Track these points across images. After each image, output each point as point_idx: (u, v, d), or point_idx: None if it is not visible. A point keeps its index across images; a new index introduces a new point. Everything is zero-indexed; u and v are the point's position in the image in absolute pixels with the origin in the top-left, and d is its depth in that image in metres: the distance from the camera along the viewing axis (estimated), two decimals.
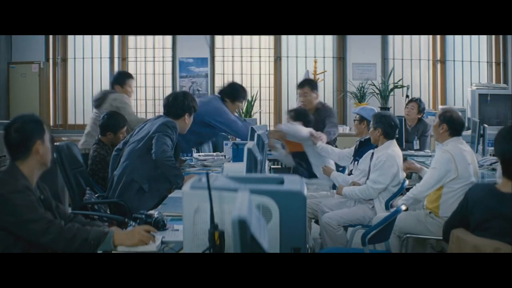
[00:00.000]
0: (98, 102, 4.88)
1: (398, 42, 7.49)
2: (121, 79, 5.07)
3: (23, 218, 2.16)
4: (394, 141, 4.05)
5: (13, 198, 2.16)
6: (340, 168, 4.77)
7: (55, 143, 3.73)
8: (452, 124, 3.78)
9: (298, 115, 4.80)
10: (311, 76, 6.90)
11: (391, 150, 3.96)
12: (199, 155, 5.14)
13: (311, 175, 4.66)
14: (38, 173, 2.32)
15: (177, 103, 3.69)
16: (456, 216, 2.61)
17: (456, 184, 3.60)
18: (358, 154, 4.32)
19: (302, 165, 4.74)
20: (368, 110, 4.55)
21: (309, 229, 4.25)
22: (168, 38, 7.57)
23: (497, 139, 2.54)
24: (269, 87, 7.65)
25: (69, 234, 2.20)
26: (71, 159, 3.75)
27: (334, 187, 4.55)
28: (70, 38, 7.64)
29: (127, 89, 4.99)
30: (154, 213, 2.52)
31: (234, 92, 4.76)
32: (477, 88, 6.64)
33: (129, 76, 5.16)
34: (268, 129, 4.83)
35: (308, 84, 5.21)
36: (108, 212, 3.68)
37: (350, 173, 4.34)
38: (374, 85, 7.14)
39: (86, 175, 3.96)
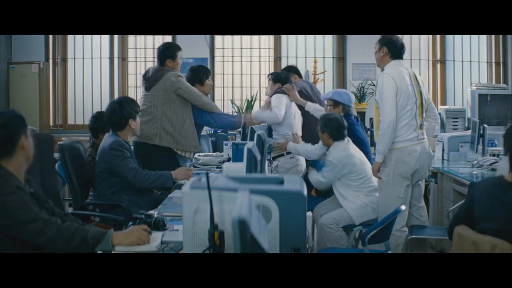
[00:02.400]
0: (150, 85, 4.28)
1: None
2: (171, 51, 4.39)
3: (19, 220, 2.13)
4: (345, 140, 4.07)
5: (6, 200, 2.13)
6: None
7: (58, 142, 3.74)
8: (392, 46, 3.86)
9: (277, 78, 4.83)
10: (311, 77, 6.90)
11: (339, 150, 4.01)
12: (199, 155, 5.14)
13: None
14: (24, 169, 2.28)
15: (115, 116, 3.63)
16: (461, 211, 2.60)
17: (400, 108, 3.74)
18: None
19: (266, 128, 4.76)
20: (343, 94, 4.52)
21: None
22: (168, 38, 7.56)
23: (510, 131, 2.48)
24: None
25: (67, 232, 2.18)
26: (75, 158, 3.74)
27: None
28: (70, 38, 7.64)
29: (178, 62, 4.40)
30: (154, 213, 2.52)
31: (195, 74, 4.50)
32: (477, 88, 6.64)
33: (179, 47, 4.49)
34: (266, 129, 4.81)
35: (272, 77, 4.95)
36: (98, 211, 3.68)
37: None
38: (374, 85, 7.12)
39: (91, 175, 3.95)
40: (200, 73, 4.49)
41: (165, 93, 4.19)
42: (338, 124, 4.05)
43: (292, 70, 5.20)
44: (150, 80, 4.30)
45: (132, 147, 4.25)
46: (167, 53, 4.36)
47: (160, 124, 4.16)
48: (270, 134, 4.63)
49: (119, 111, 3.61)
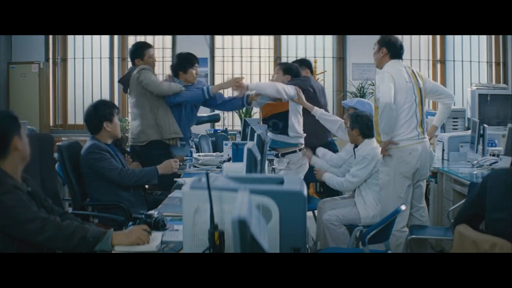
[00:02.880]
0: (125, 87, 4.46)
1: None
2: (139, 51, 4.46)
3: (17, 220, 2.13)
4: (374, 139, 4.00)
5: (4, 200, 2.13)
6: None
7: (57, 143, 3.74)
8: (391, 46, 3.87)
9: (288, 69, 4.66)
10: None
11: (371, 147, 3.96)
12: (199, 155, 5.15)
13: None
14: (21, 168, 2.28)
15: (89, 119, 3.65)
16: (470, 202, 2.61)
17: (399, 105, 3.73)
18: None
19: (279, 125, 4.51)
20: (366, 104, 4.45)
21: None
22: (168, 38, 7.57)
23: None
24: None
25: (67, 231, 2.19)
26: (73, 159, 3.73)
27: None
28: (70, 38, 7.64)
29: (148, 61, 4.45)
30: (154, 213, 2.52)
31: (180, 61, 4.49)
32: (477, 88, 6.64)
33: (147, 45, 4.55)
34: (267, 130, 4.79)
35: (282, 67, 4.73)
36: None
37: None
38: (373, 85, 7.12)
39: None
40: (185, 61, 4.47)
41: (136, 90, 4.30)
42: (369, 121, 3.99)
43: (305, 64, 5.06)
44: (123, 81, 4.48)
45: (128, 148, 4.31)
46: (135, 53, 4.47)
47: (141, 122, 4.26)
48: (285, 131, 4.48)
49: (94, 115, 3.64)
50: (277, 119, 4.53)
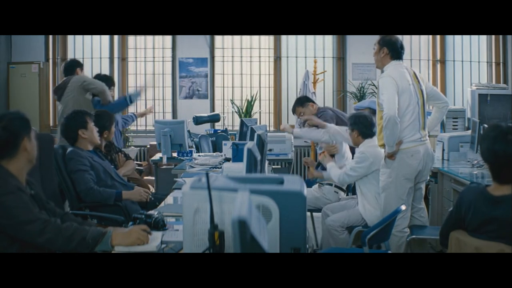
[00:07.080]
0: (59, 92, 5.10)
1: None
2: (72, 67, 5.31)
3: (18, 220, 2.14)
4: (374, 138, 3.99)
5: (5, 200, 2.13)
6: None
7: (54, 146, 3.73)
8: (392, 46, 3.85)
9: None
10: (311, 77, 6.90)
11: (372, 146, 3.96)
12: (199, 155, 5.15)
13: None
14: (26, 171, 2.29)
15: (65, 130, 3.72)
16: (451, 218, 2.56)
17: (403, 108, 3.74)
18: None
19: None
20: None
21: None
22: (168, 38, 7.57)
23: (486, 139, 2.38)
24: (269, 87, 7.65)
25: (67, 233, 2.19)
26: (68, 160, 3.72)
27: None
28: (70, 38, 7.64)
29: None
30: (154, 213, 2.52)
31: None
32: (477, 88, 6.63)
33: (79, 64, 5.45)
34: (267, 129, 4.81)
35: (297, 104, 5.22)
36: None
37: None
38: (374, 85, 7.13)
39: None
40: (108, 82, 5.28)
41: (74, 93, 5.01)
42: (367, 121, 4.03)
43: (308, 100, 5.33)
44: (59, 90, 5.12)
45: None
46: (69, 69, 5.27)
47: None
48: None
49: (67, 125, 3.69)
50: None
